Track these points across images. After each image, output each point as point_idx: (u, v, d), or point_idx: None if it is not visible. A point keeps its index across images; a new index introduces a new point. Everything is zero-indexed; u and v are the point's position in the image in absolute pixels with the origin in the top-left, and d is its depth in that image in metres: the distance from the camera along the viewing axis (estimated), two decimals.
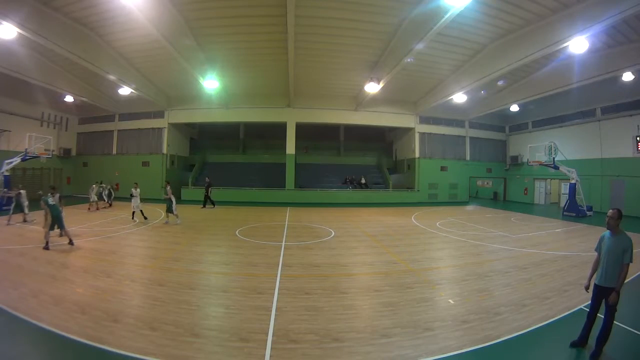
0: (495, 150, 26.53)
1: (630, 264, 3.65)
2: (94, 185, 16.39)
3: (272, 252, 8.41)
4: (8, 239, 9.18)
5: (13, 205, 11.88)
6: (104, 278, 6.13)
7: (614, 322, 3.72)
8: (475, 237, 11.00)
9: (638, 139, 16.75)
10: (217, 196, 21.14)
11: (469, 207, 21.35)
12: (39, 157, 17.28)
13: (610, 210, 3.80)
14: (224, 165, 26.49)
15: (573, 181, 17.03)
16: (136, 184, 13.46)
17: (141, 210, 12.91)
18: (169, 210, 12.36)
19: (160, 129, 23.19)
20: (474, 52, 14.97)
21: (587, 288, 4.01)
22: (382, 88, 17.25)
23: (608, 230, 3.86)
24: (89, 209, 15.63)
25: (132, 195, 12.93)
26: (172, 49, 12.86)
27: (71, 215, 12.57)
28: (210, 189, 18.49)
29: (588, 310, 3.98)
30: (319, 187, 23.73)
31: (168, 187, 12.71)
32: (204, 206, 17.93)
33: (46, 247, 8.02)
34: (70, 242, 8.51)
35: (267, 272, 6.81)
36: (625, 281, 3.76)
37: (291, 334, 4.19)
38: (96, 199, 16.18)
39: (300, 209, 18.48)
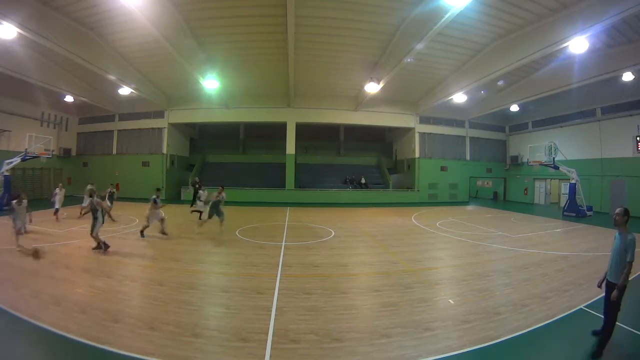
0: (495, 150, 26.52)
1: (633, 262, 3.71)
2: (57, 190, 12.72)
3: (272, 252, 8.41)
4: (7, 238, 9.15)
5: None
6: (104, 278, 6.13)
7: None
8: (475, 237, 10.99)
9: (638, 139, 16.73)
10: None
11: (469, 207, 21.34)
12: (39, 157, 17.25)
13: (618, 209, 3.93)
14: (224, 165, 26.46)
15: (573, 181, 17.03)
16: (222, 187, 11.22)
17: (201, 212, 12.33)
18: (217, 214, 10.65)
19: (160, 129, 23.19)
20: (474, 52, 14.98)
21: (600, 285, 4.11)
22: (382, 88, 17.24)
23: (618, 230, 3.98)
24: (54, 214, 12.37)
25: (199, 198, 12.94)
26: (172, 49, 12.85)
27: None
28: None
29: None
30: (319, 187, 23.72)
31: (223, 193, 10.95)
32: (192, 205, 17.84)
33: (103, 247, 8.02)
34: (103, 246, 8.09)
35: (267, 272, 6.81)
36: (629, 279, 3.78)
37: (291, 334, 4.19)
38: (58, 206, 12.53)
39: (300, 209, 18.47)
